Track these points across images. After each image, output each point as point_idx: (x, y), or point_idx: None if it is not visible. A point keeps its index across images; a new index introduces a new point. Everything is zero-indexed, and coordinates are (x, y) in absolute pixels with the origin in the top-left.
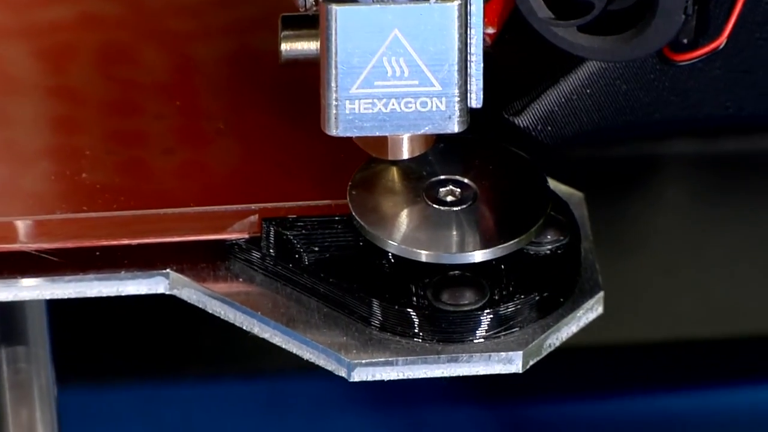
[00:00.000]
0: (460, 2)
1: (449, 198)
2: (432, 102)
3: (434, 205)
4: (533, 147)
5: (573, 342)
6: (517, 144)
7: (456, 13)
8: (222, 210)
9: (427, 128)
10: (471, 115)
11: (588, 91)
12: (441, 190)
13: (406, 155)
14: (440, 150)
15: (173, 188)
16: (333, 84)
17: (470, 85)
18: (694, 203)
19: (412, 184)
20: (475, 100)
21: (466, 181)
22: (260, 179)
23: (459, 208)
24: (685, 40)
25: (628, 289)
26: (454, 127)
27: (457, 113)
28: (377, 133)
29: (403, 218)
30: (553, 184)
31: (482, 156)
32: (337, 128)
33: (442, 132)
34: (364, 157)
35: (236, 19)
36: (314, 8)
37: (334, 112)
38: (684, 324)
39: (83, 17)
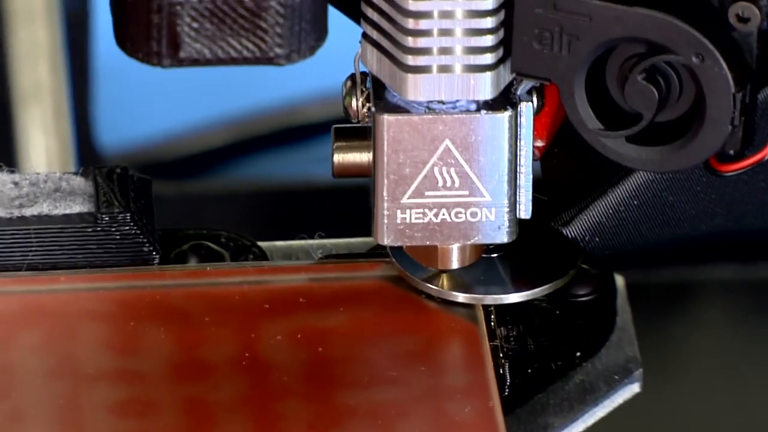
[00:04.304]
0: (510, 113)
1: None
2: (482, 212)
3: None
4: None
5: None
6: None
7: (507, 124)
8: None
9: (476, 238)
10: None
11: (635, 202)
12: None
13: (455, 265)
14: None
15: None
16: (384, 194)
17: (519, 196)
18: (731, 328)
19: None
20: (524, 212)
21: None
22: None
23: None
24: (732, 151)
25: (668, 414)
26: (504, 237)
27: (507, 224)
28: (427, 243)
29: None
30: None
31: None
32: (387, 237)
33: (491, 242)
34: None
35: None
36: (367, 118)
37: (385, 221)
38: None
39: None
